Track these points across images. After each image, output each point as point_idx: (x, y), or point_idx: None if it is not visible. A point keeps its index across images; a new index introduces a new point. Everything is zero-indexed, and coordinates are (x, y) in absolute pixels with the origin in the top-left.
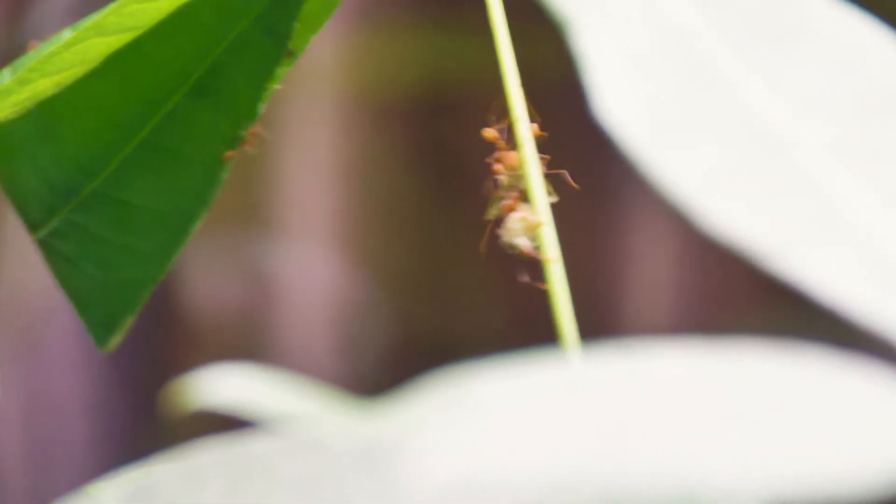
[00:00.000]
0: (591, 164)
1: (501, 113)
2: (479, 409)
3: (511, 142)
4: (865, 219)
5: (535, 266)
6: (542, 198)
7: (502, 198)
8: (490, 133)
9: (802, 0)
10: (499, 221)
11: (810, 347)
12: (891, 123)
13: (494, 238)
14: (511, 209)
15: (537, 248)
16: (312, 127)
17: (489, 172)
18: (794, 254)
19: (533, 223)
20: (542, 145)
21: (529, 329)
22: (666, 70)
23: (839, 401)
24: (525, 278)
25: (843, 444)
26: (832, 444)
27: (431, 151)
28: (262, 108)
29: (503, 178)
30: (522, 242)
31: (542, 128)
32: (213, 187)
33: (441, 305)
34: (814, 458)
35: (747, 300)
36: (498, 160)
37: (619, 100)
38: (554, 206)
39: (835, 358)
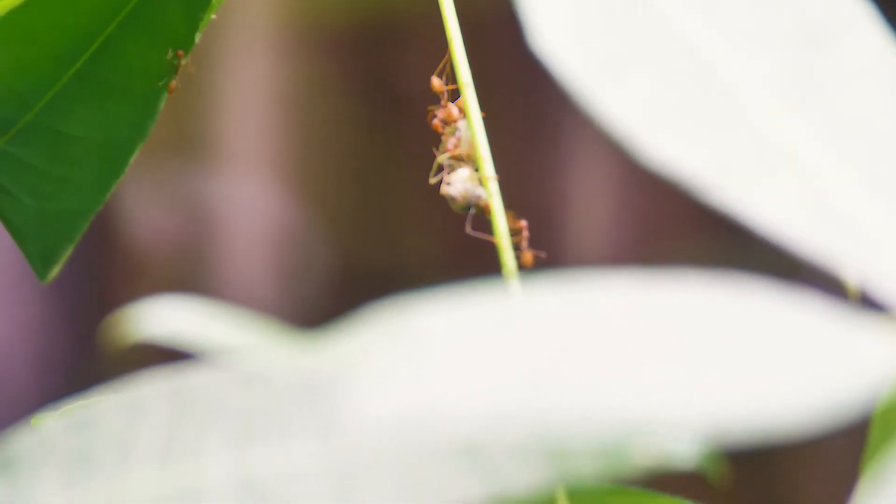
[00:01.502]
0: (531, 98)
1: (443, 53)
2: (420, 341)
3: (453, 87)
4: (801, 150)
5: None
6: (484, 150)
7: (446, 151)
8: (437, 83)
9: None
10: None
11: (749, 278)
12: (825, 56)
13: (431, 167)
14: (454, 165)
15: (481, 200)
16: (251, 57)
17: (429, 109)
18: (732, 185)
19: (477, 178)
20: (481, 81)
21: (471, 260)
22: (603, 2)
23: (777, 332)
24: (468, 228)
25: (780, 375)
26: (769, 376)
27: (372, 81)
28: (198, 37)
29: (446, 131)
30: (469, 197)
31: (480, 62)
32: (150, 118)
33: (382, 236)
34: (751, 390)
35: (687, 231)
36: (441, 117)
37: (556, 32)
38: (494, 142)
39: (773, 289)
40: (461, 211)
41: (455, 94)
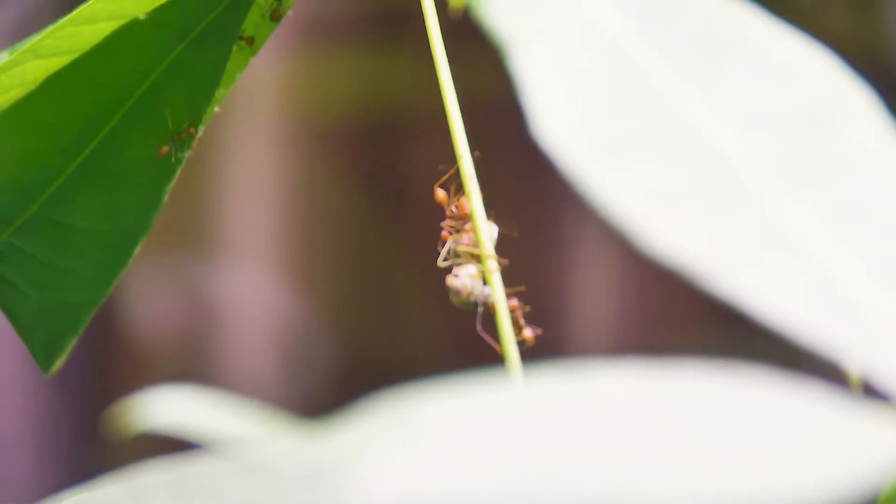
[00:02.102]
0: (532, 188)
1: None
2: (422, 430)
3: (456, 179)
4: (804, 235)
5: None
6: (488, 244)
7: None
8: (442, 195)
9: (740, 18)
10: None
11: (752, 368)
12: (828, 137)
13: (436, 259)
14: (461, 262)
15: (487, 297)
16: (254, 149)
17: (432, 196)
18: (733, 270)
19: (481, 275)
20: (483, 169)
21: (473, 351)
22: (605, 89)
23: (780, 421)
24: (479, 327)
25: (783, 464)
26: (772, 465)
27: (373, 173)
28: (202, 129)
29: (453, 239)
30: (472, 293)
31: (483, 151)
32: (154, 209)
33: (384, 327)
34: (755, 478)
35: (689, 321)
36: (450, 226)
37: (557, 120)
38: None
39: (776, 378)
40: (462, 307)
41: (459, 188)
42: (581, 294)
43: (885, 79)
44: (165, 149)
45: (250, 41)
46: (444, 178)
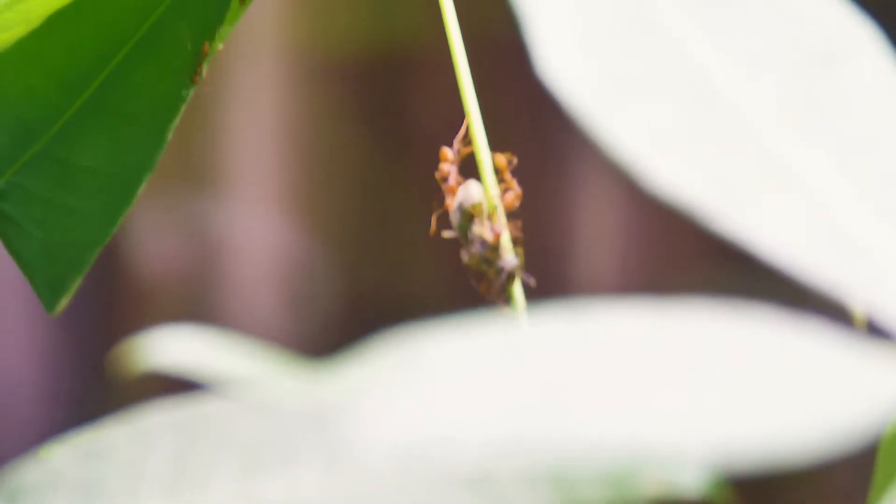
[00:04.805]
0: (537, 125)
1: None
2: (428, 370)
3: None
4: (808, 172)
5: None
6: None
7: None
8: (446, 165)
9: None
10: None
11: (756, 307)
12: (833, 76)
13: (441, 199)
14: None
15: (511, 266)
16: (257, 86)
17: (436, 133)
18: (737, 208)
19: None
20: (490, 112)
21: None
22: (610, 26)
23: (783, 360)
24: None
25: (785, 403)
26: (775, 404)
27: (378, 110)
28: (207, 67)
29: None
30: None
31: (487, 87)
32: (158, 148)
33: (389, 265)
34: (757, 418)
35: (694, 260)
36: (450, 189)
37: (561, 56)
38: (500, 169)
39: (779, 317)
40: (478, 269)
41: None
42: (586, 233)
43: (890, 17)
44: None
45: None
46: (453, 142)
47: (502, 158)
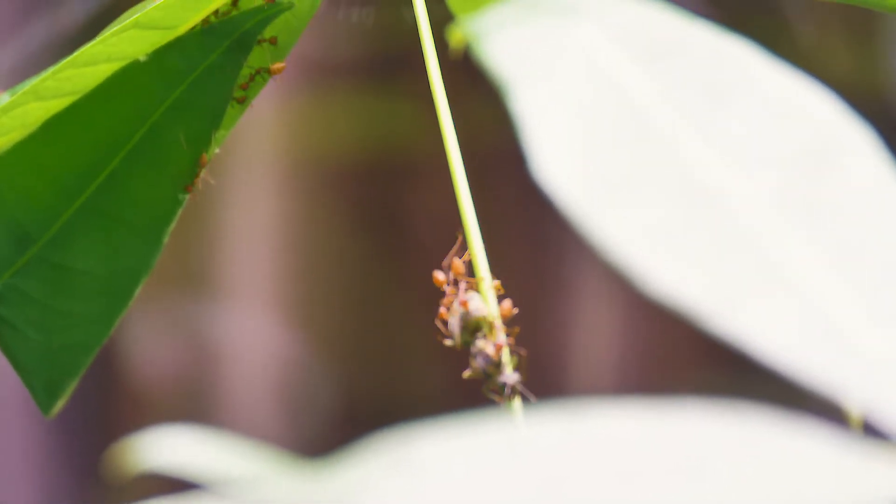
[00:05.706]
0: (533, 229)
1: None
2: (423, 470)
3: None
4: (803, 273)
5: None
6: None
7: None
8: (441, 279)
9: (740, 58)
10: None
11: (753, 407)
12: (827, 176)
13: (436, 301)
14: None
15: (514, 383)
16: (254, 190)
17: (432, 238)
18: (732, 312)
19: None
20: (485, 211)
21: (474, 391)
22: (605, 129)
23: (781, 461)
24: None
25: (782, 503)
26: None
27: (373, 215)
28: (203, 171)
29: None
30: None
31: (483, 192)
32: (154, 250)
33: (384, 369)
34: None
35: (690, 361)
36: (447, 305)
37: (557, 160)
38: (498, 271)
39: (777, 417)
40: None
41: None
42: (583, 334)
43: (885, 119)
44: (189, 186)
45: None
46: (448, 256)
47: (496, 282)
